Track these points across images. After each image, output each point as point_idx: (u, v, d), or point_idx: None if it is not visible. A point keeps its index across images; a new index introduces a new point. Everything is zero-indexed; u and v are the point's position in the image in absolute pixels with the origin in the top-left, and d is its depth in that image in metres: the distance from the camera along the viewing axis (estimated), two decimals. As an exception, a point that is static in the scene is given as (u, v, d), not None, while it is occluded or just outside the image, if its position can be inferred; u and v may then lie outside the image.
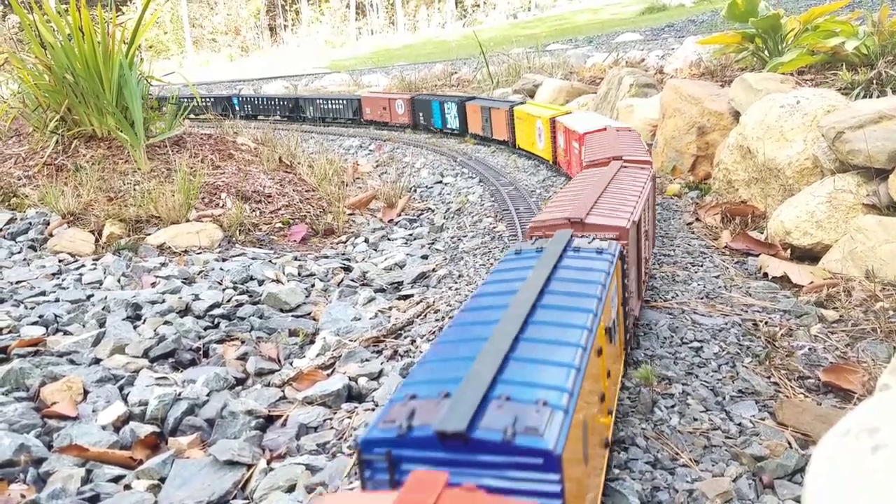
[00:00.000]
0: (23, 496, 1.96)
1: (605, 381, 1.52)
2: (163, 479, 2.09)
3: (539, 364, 1.21)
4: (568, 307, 1.45)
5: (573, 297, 1.50)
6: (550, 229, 2.19)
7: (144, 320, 3.22)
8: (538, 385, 1.14)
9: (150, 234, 4.63)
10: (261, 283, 3.80)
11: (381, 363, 2.72)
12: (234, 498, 2.01)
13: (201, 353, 2.98)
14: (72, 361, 2.85)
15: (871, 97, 4.05)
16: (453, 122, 8.41)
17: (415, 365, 1.46)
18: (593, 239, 1.88)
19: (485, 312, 1.45)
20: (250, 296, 3.58)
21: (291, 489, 1.97)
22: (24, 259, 4.26)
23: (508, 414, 1.04)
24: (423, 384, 1.18)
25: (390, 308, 3.40)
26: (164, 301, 3.41)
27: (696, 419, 2.05)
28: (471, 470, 1.02)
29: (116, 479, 2.10)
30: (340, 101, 10.96)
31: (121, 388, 2.63)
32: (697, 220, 4.14)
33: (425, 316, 3.12)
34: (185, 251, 4.43)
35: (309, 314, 3.46)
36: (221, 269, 3.99)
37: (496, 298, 1.51)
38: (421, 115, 9.20)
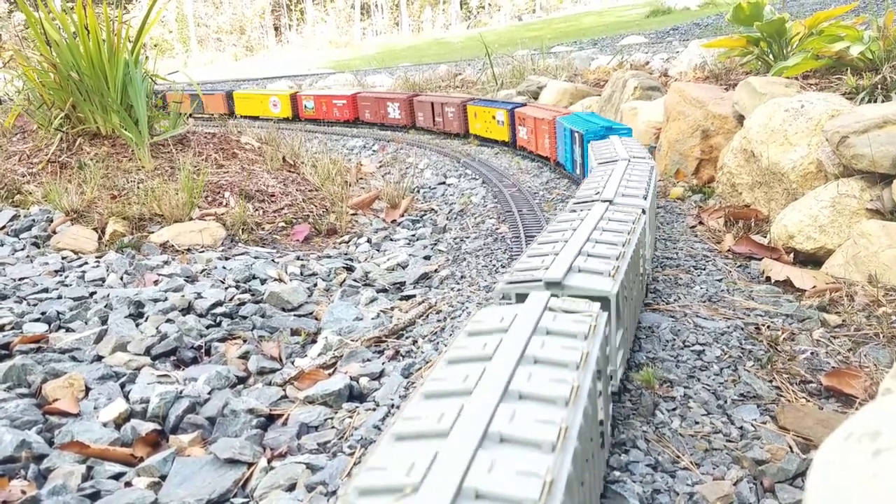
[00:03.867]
0: (23, 492, 1.96)
1: None
2: (163, 477, 2.09)
3: None
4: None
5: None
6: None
7: (147, 318, 3.22)
8: None
9: (153, 232, 4.64)
10: (263, 282, 3.80)
11: (383, 363, 2.73)
12: (235, 496, 2.02)
13: (203, 351, 2.99)
14: (74, 358, 2.85)
15: (875, 102, 4.05)
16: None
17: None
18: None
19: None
20: (253, 295, 3.58)
21: (292, 488, 1.98)
22: (28, 256, 4.27)
23: None
24: None
25: (392, 308, 3.40)
26: (166, 299, 3.41)
27: (697, 422, 2.05)
28: None
29: (117, 477, 2.11)
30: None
31: (122, 386, 2.63)
32: (700, 223, 4.14)
33: (427, 316, 3.12)
34: (188, 249, 4.44)
35: (311, 313, 3.46)
36: (224, 267, 3.99)
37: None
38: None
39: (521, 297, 1.72)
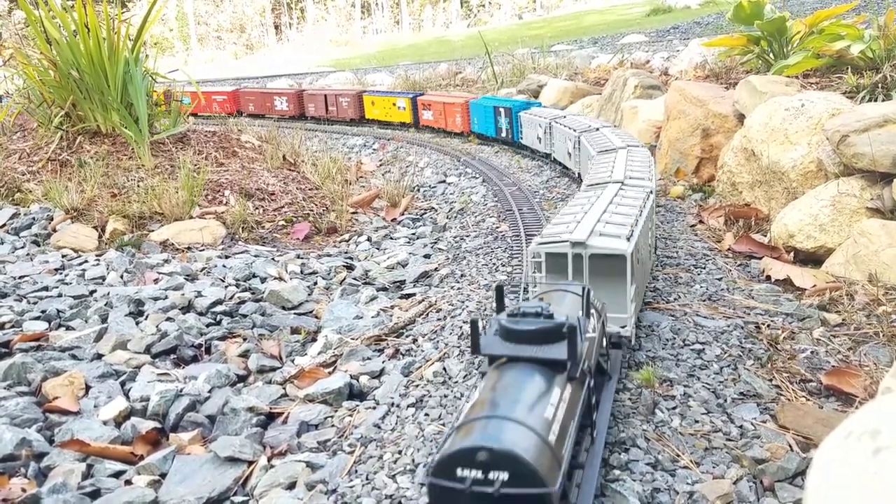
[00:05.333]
0: (24, 490, 1.97)
1: None
2: (163, 475, 2.09)
3: None
4: None
5: None
6: None
7: (147, 316, 3.22)
8: None
9: (153, 231, 4.64)
10: (263, 280, 3.80)
11: (383, 362, 2.73)
12: (235, 494, 2.02)
13: (203, 349, 2.99)
14: (74, 357, 2.85)
15: (876, 101, 4.05)
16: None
17: None
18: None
19: None
20: (253, 293, 3.58)
21: (292, 486, 1.98)
22: (28, 254, 4.27)
23: None
24: None
25: (392, 307, 3.40)
26: (166, 297, 3.41)
27: (697, 421, 2.05)
28: None
29: (117, 475, 2.11)
30: None
31: (122, 384, 2.63)
32: (701, 222, 4.14)
33: (427, 315, 3.12)
34: (189, 248, 4.44)
35: (311, 312, 3.46)
36: (224, 266, 3.99)
37: None
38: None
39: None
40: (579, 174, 4.96)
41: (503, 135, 7.19)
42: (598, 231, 2.22)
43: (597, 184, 3.04)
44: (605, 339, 2.02)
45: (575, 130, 5.02)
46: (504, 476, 1.17)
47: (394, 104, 9.36)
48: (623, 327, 2.20)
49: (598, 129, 4.87)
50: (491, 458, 1.17)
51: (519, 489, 1.16)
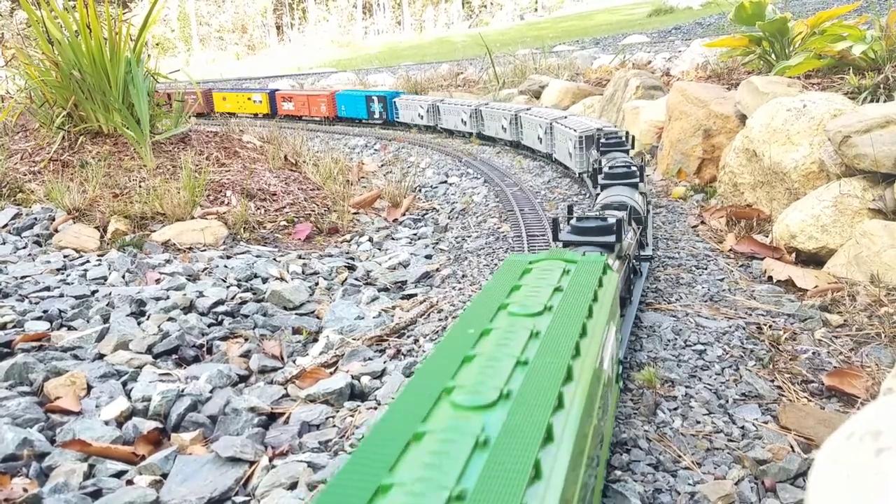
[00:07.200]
0: (25, 490, 1.97)
1: None
2: (165, 475, 2.09)
3: None
4: None
5: None
6: None
7: (148, 316, 3.23)
8: None
9: (155, 231, 4.64)
10: (265, 280, 3.81)
11: (384, 362, 2.73)
12: (236, 495, 2.02)
13: (205, 349, 2.99)
14: (75, 357, 2.85)
15: (878, 101, 4.04)
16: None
17: None
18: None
19: None
20: (254, 293, 3.58)
21: (293, 487, 1.98)
22: (30, 254, 4.28)
23: None
24: None
25: (394, 307, 3.40)
26: (168, 298, 3.42)
27: (698, 422, 2.05)
28: None
29: (119, 475, 2.11)
30: None
31: (124, 384, 2.63)
32: (702, 222, 4.14)
33: (428, 316, 3.12)
34: (190, 248, 4.44)
35: (312, 312, 3.46)
36: (226, 266, 3.99)
37: None
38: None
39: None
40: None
41: (376, 117, 10.15)
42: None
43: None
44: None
45: (470, 105, 8.17)
46: None
47: (248, 99, 11.89)
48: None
49: (487, 105, 7.86)
50: None
51: None
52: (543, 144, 6.22)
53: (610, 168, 3.59)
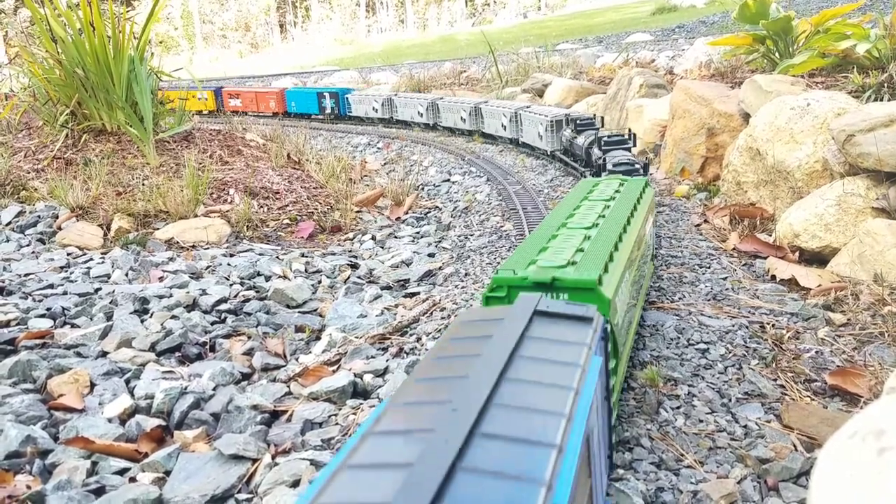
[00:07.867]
0: (28, 487, 1.97)
1: None
2: (168, 473, 2.10)
3: None
4: None
5: None
6: None
7: (152, 314, 3.23)
8: None
9: (158, 229, 4.65)
10: (268, 278, 3.81)
11: (387, 360, 2.73)
12: (239, 492, 2.02)
13: (208, 347, 2.99)
14: (79, 354, 2.86)
15: (882, 100, 4.03)
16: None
17: None
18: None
19: None
20: (257, 291, 3.59)
21: (296, 484, 1.98)
22: (33, 252, 4.28)
23: None
24: None
25: (396, 305, 3.41)
26: (171, 295, 3.42)
27: (701, 421, 2.05)
28: None
29: (122, 472, 2.11)
30: None
31: (127, 382, 2.64)
32: (706, 221, 4.13)
33: (431, 314, 3.12)
34: (193, 246, 4.45)
35: (315, 310, 3.47)
36: (229, 264, 4.00)
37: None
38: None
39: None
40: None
41: (328, 112, 11.10)
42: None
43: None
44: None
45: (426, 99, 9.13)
46: None
47: (194, 96, 12.02)
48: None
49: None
50: None
51: None
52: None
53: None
